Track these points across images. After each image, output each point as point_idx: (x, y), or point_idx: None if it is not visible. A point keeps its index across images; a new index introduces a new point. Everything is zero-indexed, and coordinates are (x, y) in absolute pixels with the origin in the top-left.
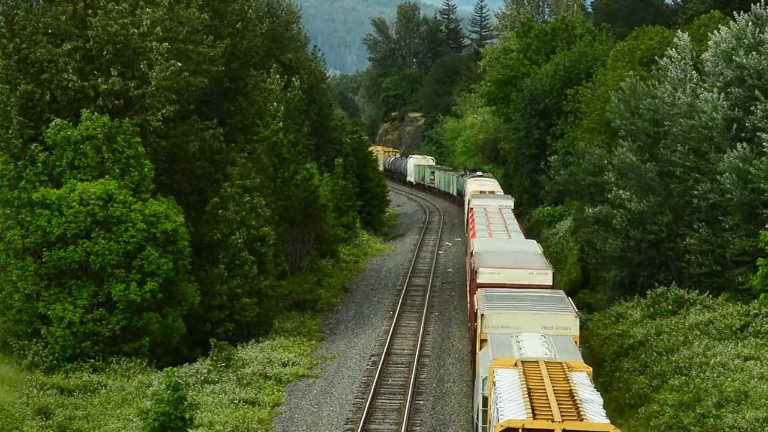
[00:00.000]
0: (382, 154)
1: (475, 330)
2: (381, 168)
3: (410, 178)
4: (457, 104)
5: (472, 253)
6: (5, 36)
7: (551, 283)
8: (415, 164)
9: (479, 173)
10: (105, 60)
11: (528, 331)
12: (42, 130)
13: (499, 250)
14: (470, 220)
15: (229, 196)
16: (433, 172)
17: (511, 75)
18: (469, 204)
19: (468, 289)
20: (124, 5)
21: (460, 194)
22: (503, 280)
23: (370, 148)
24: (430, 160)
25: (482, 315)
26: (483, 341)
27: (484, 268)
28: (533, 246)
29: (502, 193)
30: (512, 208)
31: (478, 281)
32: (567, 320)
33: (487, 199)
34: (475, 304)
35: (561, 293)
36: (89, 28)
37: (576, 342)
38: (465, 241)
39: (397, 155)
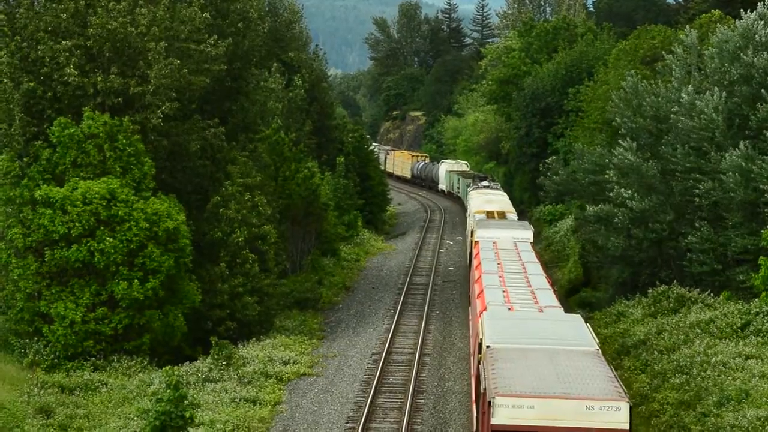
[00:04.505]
0: (409, 159)
1: None
2: (409, 175)
3: (442, 186)
4: (459, 103)
5: (480, 345)
6: (7, 35)
7: (628, 428)
8: (447, 170)
9: (485, 183)
10: (105, 58)
11: None
12: (45, 127)
13: (528, 345)
14: (476, 268)
15: (230, 194)
16: (459, 179)
17: (512, 74)
18: (472, 235)
19: (475, 425)
20: (123, 4)
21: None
22: (539, 420)
23: (397, 153)
24: (463, 165)
25: None
26: None
27: (505, 398)
28: (581, 330)
29: (515, 215)
30: (531, 241)
31: (494, 422)
32: None
33: (498, 228)
34: None
35: None
36: (89, 26)
37: None
38: (468, 290)
39: (427, 160)
